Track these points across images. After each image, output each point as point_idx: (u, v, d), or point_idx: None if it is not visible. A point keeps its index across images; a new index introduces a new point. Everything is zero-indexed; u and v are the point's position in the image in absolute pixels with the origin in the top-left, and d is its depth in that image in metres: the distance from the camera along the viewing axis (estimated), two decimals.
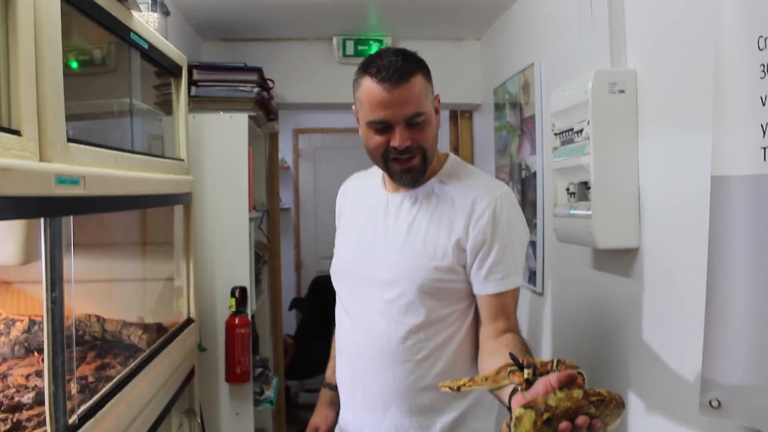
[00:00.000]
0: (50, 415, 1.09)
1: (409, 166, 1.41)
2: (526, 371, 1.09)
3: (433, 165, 1.49)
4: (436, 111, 1.45)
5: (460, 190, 1.46)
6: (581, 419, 0.97)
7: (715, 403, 1.12)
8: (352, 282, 1.54)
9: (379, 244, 1.49)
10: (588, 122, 1.51)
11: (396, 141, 1.37)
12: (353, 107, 1.49)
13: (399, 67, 1.34)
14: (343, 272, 1.58)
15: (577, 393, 1.00)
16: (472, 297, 1.47)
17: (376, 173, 1.61)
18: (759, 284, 1.04)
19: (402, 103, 1.35)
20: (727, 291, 1.09)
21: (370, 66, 1.36)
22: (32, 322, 1.74)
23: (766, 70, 1.00)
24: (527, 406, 0.99)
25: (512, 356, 1.13)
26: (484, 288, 1.43)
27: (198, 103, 2.44)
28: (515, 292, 1.45)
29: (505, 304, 1.43)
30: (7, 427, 1.17)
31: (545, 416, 0.97)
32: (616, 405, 1.01)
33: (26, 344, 1.68)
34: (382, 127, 1.38)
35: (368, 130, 1.41)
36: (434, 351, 1.44)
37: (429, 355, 1.44)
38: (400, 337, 1.44)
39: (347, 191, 1.70)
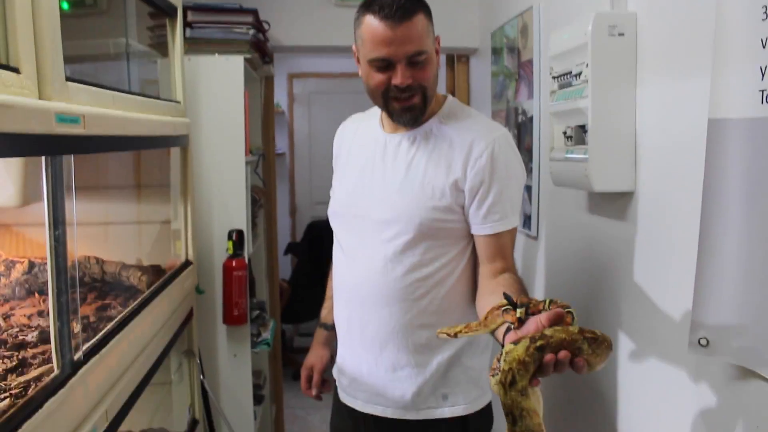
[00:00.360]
0: (56, 351, 1.11)
1: (410, 105, 1.42)
2: (518, 310, 1.12)
3: (432, 106, 1.50)
4: (437, 52, 1.46)
5: (458, 131, 1.47)
6: (563, 353, 0.99)
7: (703, 342, 1.15)
8: (351, 222, 1.56)
9: (378, 185, 1.51)
10: (587, 65, 1.50)
11: (397, 79, 1.38)
12: (353, 47, 1.48)
13: (402, 5, 1.34)
14: (341, 213, 1.60)
15: (574, 328, 1.03)
16: (469, 237, 1.50)
17: (374, 114, 1.61)
18: (751, 226, 1.05)
19: (404, 41, 1.35)
20: (719, 232, 1.11)
21: (372, 3, 1.36)
22: (32, 264, 1.76)
23: (767, 11, 0.99)
24: (517, 342, 1.02)
25: (506, 296, 1.16)
26: (482, 228, 1.45)
27: (193, 45, 2.41)
28: (512, 232, 1.48)
29: (503, 244, 1.46)
30: (14, 364, 1.19)
31: (539, 343, 1.00)
32: (607, 346, 1.04)
33: (27, 285, 1.70)
34: (384, 65, 1.39)
35: (369, 69, 1.41)
36: (431, 289, 1.47)
37: (426, 294, 1.47)
38: (398, 276, 1.47)
39: (345, 132, 1.70)
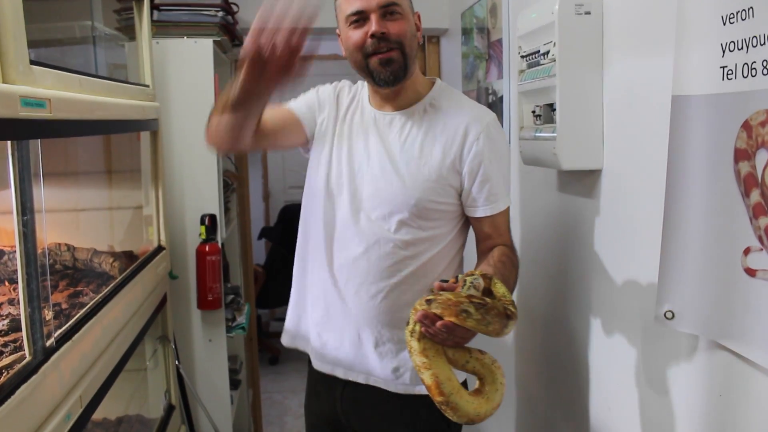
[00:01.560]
0: (27, 338, 1.11)
1: (388, 57, 1.42)
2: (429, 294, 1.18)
3: (421, 89, 1.53)
4: (417, 28, 1.50)
5: (451, 115, 1.50)
6: (420, 313, 1.11)
7: (669, 315, 1.18)
8: (339, 198, 1.53)
9: (373, 161, 1.50)
10: (554, 44, 1.52)
11: (372, 26, 1.40)
12: (336, 31, 1.52)
13: None
14: (329, 187, 1.55)
15: (463, 291, 1.13)
16: (461, 218, 1.53)
17: (362, 88, 1.63)
18: (712, 200, 1.08)
19: None
20: (683, 207, 1.13)
21: None
22: (1, 252, 1.74)
23: None
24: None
25: (442, 282, 1.22)
26: (480, 211, 1.49)
27: (161, 29, 2.39)
28: (507, 211, 1.53)
29: (498, 223, 1.51)
30: None
31: (427, 298, 1.12)
32: (497, 314, 1.10)
33: None
34: (359, 19, 1.43)
35: (347, 30, 1.45)
36: (420, 268, 1.48)
37: (414, 272, 1.48)
38: (387, 253, 1.47)
39: (342, 92, 1.64)
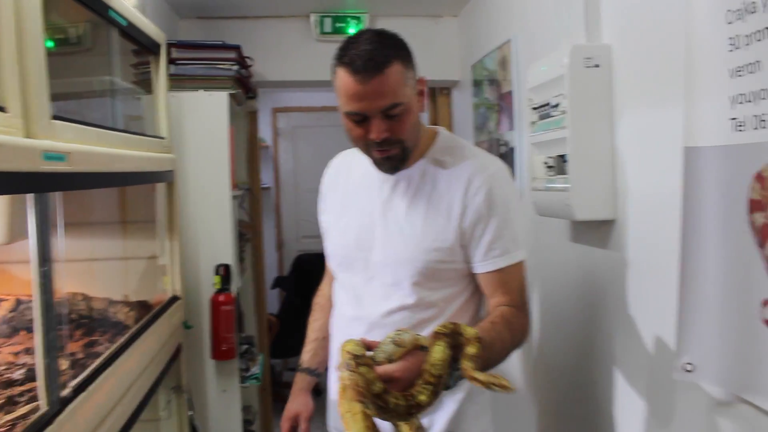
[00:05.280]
0: (43, 388, 1.11)
1: (388, 155, 1.37)
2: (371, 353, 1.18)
3: (423, 144, 1.45)
4: (421, 93, 1.40)
5: (455, 168, 1.43)
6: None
7: (689, 367, 1.17)
8: (353, 263, 1.50)
9: (379, 226, 1.46)
10: (564, 96, 1.54)
11: (373, 134, 1.32)
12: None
13: (373, 57, 1.27)
14: (343, 253, 1.53)
15: (378, 354, 1.16)
16: (470, 277, 1.45)
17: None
18: (728, 250, 1.08)
19: (377, 96, 1.29)
20: (699, 257, 1.13)
21: (344, 55, 1.30)
22: (19, 302, 1.75)
23: (734, 43, 1.03)
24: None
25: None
26: (483, 266, 1.40)
27: (177, 82, 2.44)
28: (518, 267, 1.41)
29: (505, 280, 1.40)
30: (1, 402, 1.19)
31: (354, 353, 1.12)
32: (395, 415, 1.10)
33: (13, 323, 1.69)
34: (360, 119, 1.33)
35: (347, 120, 1.37)
36: (420, 324, 1.42)
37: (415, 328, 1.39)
38: (402, 318, 1.42)
39: (340, 169, 1.62)
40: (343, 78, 1.30)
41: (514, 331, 1.33)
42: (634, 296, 1.48)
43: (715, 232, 1.10)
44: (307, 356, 1.68)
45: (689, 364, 1.17)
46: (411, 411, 1.09)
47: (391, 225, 1.44)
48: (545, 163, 1.71)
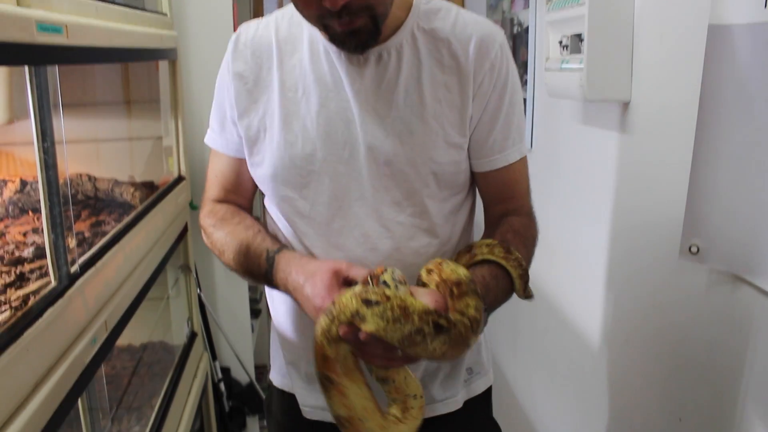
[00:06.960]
0: (52, 264, 1.12)
1: (353, 28, 0.95)
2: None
3: (397, 9, 1.04)
4: None
5: (453, 36, 1.06)
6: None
7: (694, 249, 1.17)
8: (318, 180, 1.07)
9: (358, 123, 1.05)
10: None
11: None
12: None
13: None
14: (300, 166, 1.07)
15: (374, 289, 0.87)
16: (469, 183, 1.15)
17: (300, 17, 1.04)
18: (747, 133, 1.05)
19: None
20: (714, 140, 1.10)
21: None
22: (24, 183, 1.75)
23: None
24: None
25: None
26: (490, 162, 1.10)
27: None
28: (525, 162, 1.14)
29: (515, 179, 1.14)
30: (12, 279, 1.21)
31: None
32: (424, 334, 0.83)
33: (20, 204, 1.70)
34: None
35: None
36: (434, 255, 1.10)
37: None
38: (399, 247, 1.08)
39: (261, 45, 1.12)
40: None
41: (530, 247, 1.11)
42: (643, 178, 1.46)
43: (735, 115, 1.06)
44: (267, 241, 1.09)
45: (695, 246, 1.16)
46: (473, 327, 0.86)
47: (376, 119, 1.04)
48: (560, 42, 1.64)
